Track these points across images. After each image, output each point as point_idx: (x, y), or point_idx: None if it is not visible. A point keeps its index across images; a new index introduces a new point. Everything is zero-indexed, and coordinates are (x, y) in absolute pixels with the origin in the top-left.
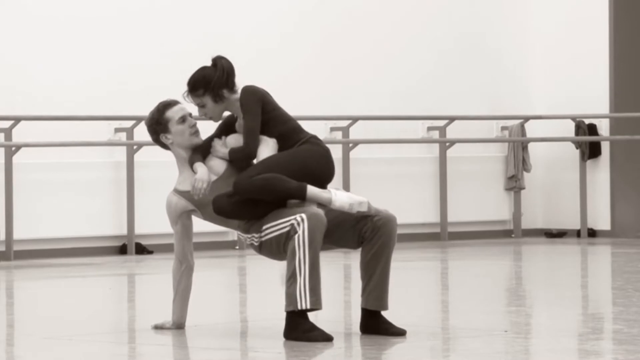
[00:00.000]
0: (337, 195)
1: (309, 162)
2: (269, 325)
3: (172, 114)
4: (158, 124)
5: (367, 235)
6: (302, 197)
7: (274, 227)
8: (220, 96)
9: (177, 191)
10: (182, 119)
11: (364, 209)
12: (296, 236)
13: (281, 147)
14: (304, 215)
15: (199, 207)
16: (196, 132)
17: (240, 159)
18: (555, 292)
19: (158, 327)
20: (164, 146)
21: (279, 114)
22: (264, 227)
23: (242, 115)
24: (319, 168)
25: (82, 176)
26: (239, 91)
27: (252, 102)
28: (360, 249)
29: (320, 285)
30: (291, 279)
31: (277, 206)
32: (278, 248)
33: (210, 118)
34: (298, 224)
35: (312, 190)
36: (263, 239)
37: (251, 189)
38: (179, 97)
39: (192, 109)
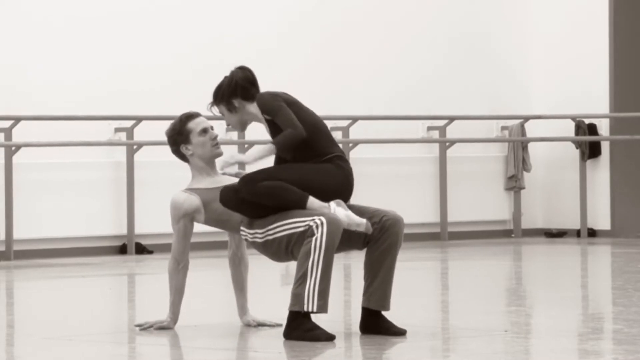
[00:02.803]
0: (335, 211)
1: (329, 182)
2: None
3: (194, 125)
4: (179, 134)
5: (375, 235)
6: (301, 209)
7: (287, 226)
8: (232, 105)
9: (188, 189)
10: (204, 131)
11: (361, 229)
12: (313, 238)
13: (304, 155)
14: (323, 219)
15: (206, 205)
16: (217, 144)
17: (289, 143)
18: (555, 292)
19: (145, 328)
20: (183, 157)
21: (303, 116)
22: (274, 225)
23: (273, 117)
24: (338, 191)
25: (82, 176)
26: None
27: (272, 101)
28: (364, 249)
29: (329, 290)
30: (300, 279)
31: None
32: (287, 247)
33: (231, 127)
34: (317, 226)
35: (312, 203)
36: (270, 237)
37: (254, 192)
38: (177, 97)
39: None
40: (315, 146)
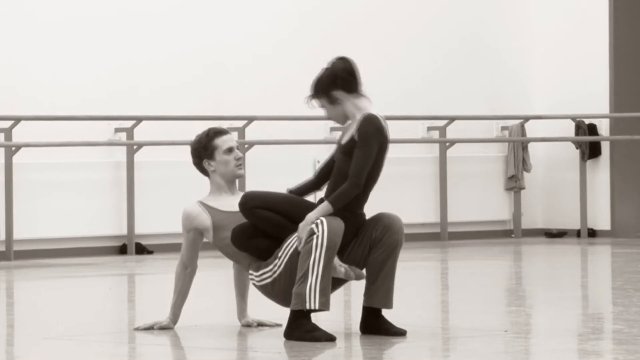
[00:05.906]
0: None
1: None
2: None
3: (221, 142)
4: (205, 149)
5: (377, 236)
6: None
7: (288, 247)
8: (333, 97)
9: (203, 204)
10: (229, 150)
11: (339, 275)
12: (315, 237)
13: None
14: (323, 219)
15: (216, 229)
16: (240, 165)
17: (344, 201)
18: (555, 292)
19: (146, 329)
20: (203, 171)
21: (376, 172)
22: (277, 256)
23: (357, 147)
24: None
25: (82, 176)
26: (361, 98)
27: (371, 136)
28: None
29: (330, 287)
30: (302, 278)
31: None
32: (292, 272)
33: (332, 120)
34: (317, 225)
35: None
36: (277, 272)
37: (253, 214)
38: (177, 97)
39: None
40: (362, 199)
